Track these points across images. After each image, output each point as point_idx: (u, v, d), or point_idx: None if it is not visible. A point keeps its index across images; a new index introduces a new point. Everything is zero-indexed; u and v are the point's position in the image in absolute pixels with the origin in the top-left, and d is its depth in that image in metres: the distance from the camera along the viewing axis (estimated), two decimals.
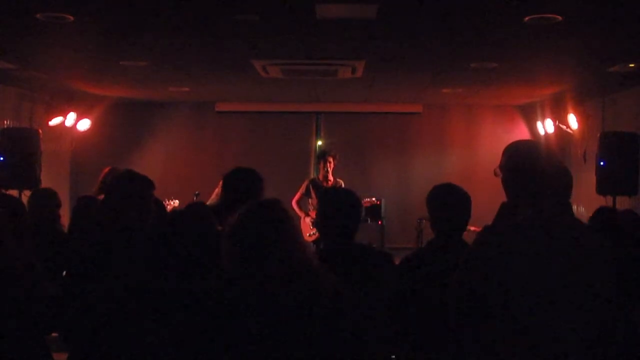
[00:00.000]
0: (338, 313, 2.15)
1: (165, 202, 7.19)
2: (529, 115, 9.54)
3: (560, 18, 4.31)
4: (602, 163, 6.34)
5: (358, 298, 2.59)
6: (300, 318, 2.07)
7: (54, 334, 3.01)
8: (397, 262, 3.12)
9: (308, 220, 7.56)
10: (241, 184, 3.43)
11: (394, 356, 3.15)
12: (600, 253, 2.28)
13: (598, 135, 6.62)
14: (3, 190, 6.11)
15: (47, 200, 4.69)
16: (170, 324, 2.27)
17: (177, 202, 7.34)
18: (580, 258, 2.22)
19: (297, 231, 2.21)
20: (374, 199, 8.30)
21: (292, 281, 2.08)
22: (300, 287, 2.09)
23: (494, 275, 2.21)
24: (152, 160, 9.26)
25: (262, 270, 2.08)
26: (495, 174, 2.47)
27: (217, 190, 4.08)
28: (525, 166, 2.38)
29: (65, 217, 6.08)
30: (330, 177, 7.51)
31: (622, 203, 6.37)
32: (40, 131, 6.99)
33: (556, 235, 2.24)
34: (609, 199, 6.31)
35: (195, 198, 7.16)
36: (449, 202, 3.08)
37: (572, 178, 2.38)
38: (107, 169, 5.43)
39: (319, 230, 3.21)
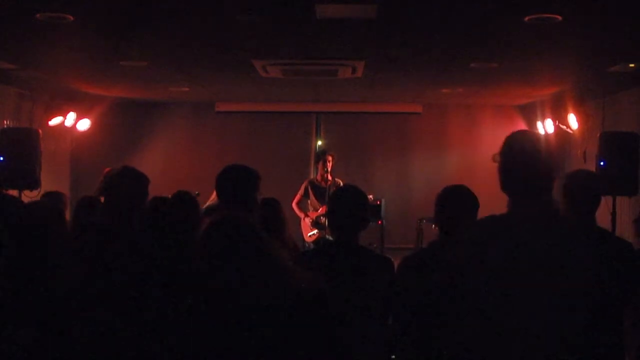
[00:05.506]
0: (316, 317, 2.13)
1: None
2: (529, 115, 9.53)
3: (560, 18, 4.31)
4: (602, 163, 6.32)
5: (348, 299, 2.59)
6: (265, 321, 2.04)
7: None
8: (397, 262, 3.12)
9: (308, 220, 7.55)
10: (234, 182, 3.33)
11: (393, 356, 3.15)
12: (580, 249, 2.25)
13: (598, 135, 6.61)
14: (3, 190, 6.11)
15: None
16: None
17: None
18: (557, 253, 2.19)
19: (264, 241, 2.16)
20: (373, 197, 8.29)
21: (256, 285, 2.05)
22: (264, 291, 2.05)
23: (468, 269, 2.22)
24: (152, 160, 9.24)
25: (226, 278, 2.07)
26: (494, 160, 2.46)
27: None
28: (518, 158, 2.36)
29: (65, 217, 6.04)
30: (329, 177, 7.50)
31: (622, 203, 6.37)
32: (40, 131, 6.98)
33: (531, 229, 2.22)
34: (609, 199, 6.30)
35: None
36: (455, 203, 3.07)
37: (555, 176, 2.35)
38: (107, 170, 5.42)
39: (329, 225, 3.22)
